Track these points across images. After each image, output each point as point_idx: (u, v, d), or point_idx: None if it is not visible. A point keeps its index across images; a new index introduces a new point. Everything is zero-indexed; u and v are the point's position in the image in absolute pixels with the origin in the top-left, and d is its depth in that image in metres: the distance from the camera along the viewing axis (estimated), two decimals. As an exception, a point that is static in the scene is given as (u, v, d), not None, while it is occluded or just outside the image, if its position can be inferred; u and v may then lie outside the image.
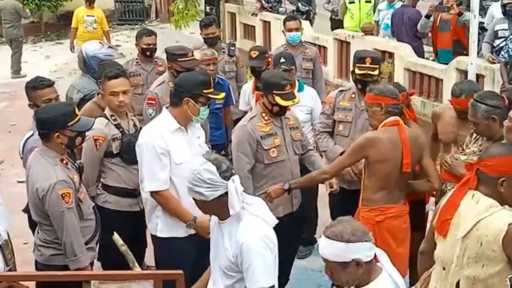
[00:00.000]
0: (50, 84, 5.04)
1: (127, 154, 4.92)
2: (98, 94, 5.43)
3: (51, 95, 4.93)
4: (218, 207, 3.35)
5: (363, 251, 2.91)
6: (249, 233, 3.29)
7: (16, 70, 14.26)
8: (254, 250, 3.26)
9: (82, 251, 4.26)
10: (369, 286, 2.90)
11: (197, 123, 4.66)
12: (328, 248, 2.93)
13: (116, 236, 4.17)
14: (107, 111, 5.03)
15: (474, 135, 4.68)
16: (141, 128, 5.21)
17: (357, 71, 5.42)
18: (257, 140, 4.92)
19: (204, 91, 4.51)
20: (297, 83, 6.18)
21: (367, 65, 5.43)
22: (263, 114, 4.99)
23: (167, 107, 4.67)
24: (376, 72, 5.44)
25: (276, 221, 3.45)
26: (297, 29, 7.41)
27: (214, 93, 4.67)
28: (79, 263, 4.24)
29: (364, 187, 4.78)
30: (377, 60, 5.53)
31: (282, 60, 6.08)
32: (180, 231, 4.57)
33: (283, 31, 7.63)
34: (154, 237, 4.73)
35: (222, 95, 5.07)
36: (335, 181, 5.19)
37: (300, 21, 7.65)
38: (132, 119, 5.18)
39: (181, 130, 4.53)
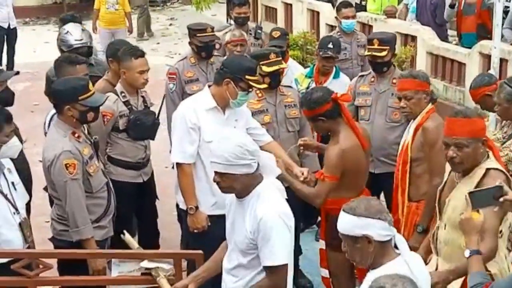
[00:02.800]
0: (83, 61, 5.14)
1: (133, 130, 5.08)
2: (108, 72, 5.46)
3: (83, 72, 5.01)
4: (248, 181, 3.37)
5: (374, 228, 2.85)
6: (268, 209, 3.32)
7: (140, 33, 14.99)
8: (273, 226, 3.29)
9: (85, 223, 4.27)
10: (379, 269, 2.81)
11: (236, 107, 4.57)
12: (341, 221, 2.91)
13: (127, 237, 4.10)
14: (118, 88, 5.12)
15: (503, 122, 4.64)
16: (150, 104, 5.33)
17: (365, 53, 5.42)
18: None
19: (247, 76, 4.48)
20: (334, 69, 6.15)
21: (375, 46, 5.42)
22: (257, 91, 5.01)
23: (209, 86, 4.68)
24: (384, 54, 5.39)
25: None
26: (353, 17, 7.31)
27: (257, 82, 4.63)
28: (81, 234, 4.26)
29: (416, 182, 4.48)
30: (385, 41, 5.46)
31: (330, 45, 6.03)
32: (203, 207, 4.59)
33: (336, 17, 7.50)
34: (181, 210, 4.81)
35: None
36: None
37: (354, 8, 7.53)
38: (142, 96, 5.25)
39: (217, 110, 4.55)
